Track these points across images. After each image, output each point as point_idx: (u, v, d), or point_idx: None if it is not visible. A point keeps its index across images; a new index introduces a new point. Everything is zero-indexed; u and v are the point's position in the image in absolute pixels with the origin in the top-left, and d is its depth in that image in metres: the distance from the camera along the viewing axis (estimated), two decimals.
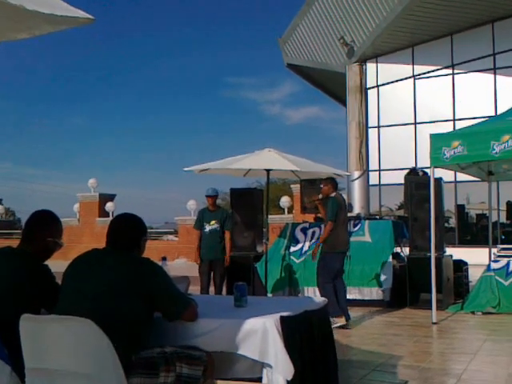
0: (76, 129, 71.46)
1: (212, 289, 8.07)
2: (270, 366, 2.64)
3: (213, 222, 7.98)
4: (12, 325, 2.51)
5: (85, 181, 21.75)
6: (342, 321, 6.57)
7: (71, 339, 2.45)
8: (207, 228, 8.00)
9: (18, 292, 2.73)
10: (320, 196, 7.12)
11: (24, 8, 1.75)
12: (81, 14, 2.07)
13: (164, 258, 3.37)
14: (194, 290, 6.45)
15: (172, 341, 2.74)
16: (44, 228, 2.96)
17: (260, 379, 2.71)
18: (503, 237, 14.92)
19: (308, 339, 2.93)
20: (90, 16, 2.10)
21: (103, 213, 20.45)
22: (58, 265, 2.79)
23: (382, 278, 8.34)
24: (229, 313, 2.96)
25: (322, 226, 8.33)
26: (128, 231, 2.85)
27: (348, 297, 8.27)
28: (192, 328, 2.76)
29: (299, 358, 2.74)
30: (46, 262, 2.95)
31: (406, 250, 8.99)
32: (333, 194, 6.86)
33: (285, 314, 2.79)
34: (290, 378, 2.60)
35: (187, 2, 69.48)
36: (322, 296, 6.60)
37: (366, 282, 8.36)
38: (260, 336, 2.64)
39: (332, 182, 7.06)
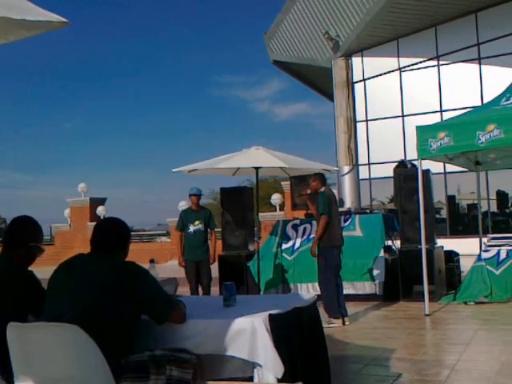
0: (64, 132, 71.11)
1: (200, 289, 7.99)
2: (260, 365, 2.63)
3: (197, 222, 7.85)
4: None
5: (75, 185, 21.71)
6: (339, 323, 6.56)
7: (59, 346, 2.44)
8: (191, 228, 7.84)
9: (3, 299, 2.72)
10: (309, 191, 7.11)
11: None
12: (54, 17, 2.05)
13: (152, 261, 3.34)
14: (184, 291, 6.43)
15: (161, 344, 2.73)
16: (25, 233, 2.95)
17: (251, 378, 2.70)
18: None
19: (298, 336, 2.92)
20: (64, 19, 2.07)
21: (94, 217, 20.38)
22: (49, 271, 2.78)
23: (375, 271, 8.35)
24: (217, 313, 2.95)
25: (314, 222, 8.33)
26: (112, 235, 2.84)
27: None
28: (181, 330, 2.75)
29: (289, 356, 2.73)
30: (39, 268, 2.95)
31: (398, 243, 9.01)
32: (322, 189, 6.85)
33: (273, 311, 2.78)
34: (280, 376, 2.59)
35: (172, 2, 69.25)
36: (322, 295, 6.60)
37: (358, 276, 8.36)
38: (249, 335, 2.63)
39: (320, 177, 7.04)
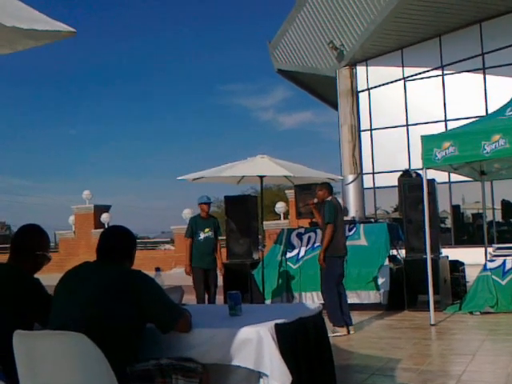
0: (68, 138, 71.35)
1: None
2: (267, 375, 2.62)
3: (207, 229, 7.89)
4: (5, 340, 2.49)
5: (79, 192, 21.77)
6: (343, 331, 6.54)
7: (65, 354, 2.44)
8: (202, 236, 7.88)
9: (9, 307, 2.72)
10: (315, 200, 7.10)
11: (2, 24, 1.73)
12: (62, 27, 2.06)
13: (158, 269, 3.36)
14: (190, 299, 6.42)
15: (167, 353, 2.73)
16: (32, 242, 2.96)
17: None
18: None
19: (304, 346, 2.91)
20: (71, 29, 2.08)
21: (99, 224, 20.41)
22: (53, 278, 2.79)
23: (380, 281, 8.33)
24: (223, 322, 2.93)
25: (318, 230, 8.31)
26: (118, 244, 2.84)
27: None
28: (186, 339, 2.74)
29: (295, 366, 2.72)
30: (44, 275, 2.95)
31: (403, 252, 8.99)
32: (328, 198, 6.85)
33: (279, 321, 2.77)
34: None
35: (177, 9, 69.59)
36: (326, 304, 6.58)
37: (363, 285, 8.34)
38: (255, 344, 2.62)
39: (327, 186, 7.04)
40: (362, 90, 20.62)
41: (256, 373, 2.67)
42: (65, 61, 71.74)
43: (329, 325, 6.01)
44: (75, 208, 21.79)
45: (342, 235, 6.88)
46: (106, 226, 19.51)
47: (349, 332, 6.59)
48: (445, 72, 19.36)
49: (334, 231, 6.61)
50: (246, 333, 2.66)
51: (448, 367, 5.12)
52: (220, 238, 8.24)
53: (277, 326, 2.70)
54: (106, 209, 21.54)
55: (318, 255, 6.80)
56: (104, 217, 20.57)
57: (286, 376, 2.59)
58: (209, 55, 70.91)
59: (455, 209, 19.59)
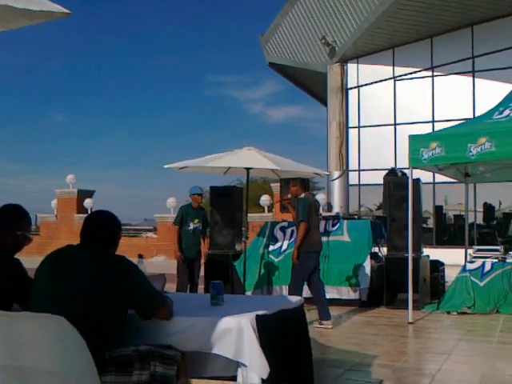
0: (55, 125, 70.60)
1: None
2: (245, 366, 2.63)
3: (196, 220, 7.99)
4: None
5: (63, 177, 21.55)
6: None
7: (44, 337, 2.42)
8: (191, 226, 7.95)
9: None
10: (289, 196, 7.10)
11: None
12: (57, 8, 2.04)
13: (140, 256, 3.35)
14: (171, 288, 6.42)
15: (147, 339, 2.73)
16: (13, 222, 2.91)
17: (235, 378, 2.71)
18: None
19: (284, 338, 2.93)
20: (66, 10, 2.06)
21: (82, 209, 20.25)
22: (34, 260, 2.76)
23: (360, 277, 8.38)
24: (204, 311, 2.94)
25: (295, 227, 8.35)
26: (103, 228, 2.83)
27: (326, 296, 8.32)
28: (167, 326, 2.74)
29: (274, 357, 2.74)
30: (24, 258, 2.92)
31: (384, 250, 9.06)
32: (302, 195, 6.80)
33: (261, 312, 2.79)
34: (265, 377, 2.60)
35: (169, 1, 69.03)
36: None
37: (343, 281, 8.40)
38: (235, 335, 2.63)
39: (301, 182, 6.94)
40: (352, 88, 20.68)
41: (235, 363, 2.69)
42: (57, 53, 70.93)
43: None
44: (58, 192, 21.56)
45: (316, 231, 6.83)
46: (89, 212, 19.39)
47: (327, 319, 6.67)
48: (435, 73, 19.48)
49: (307, 229, 6.59)
50: (227, 322, 2.67)
51: (423, 365, 5.18)
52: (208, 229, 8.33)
53: (258, 317, 2.72)
54: (90, 194, 21.34)
55: (292, 253, 6.79)
56: (87, 202, 20.40)
57: (265, 367, 2.61)
58: (200, 47, 70.47)
59: (438, 209, 19.78)
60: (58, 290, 2.61)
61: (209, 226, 8.27)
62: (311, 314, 6.57)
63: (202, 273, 8.43)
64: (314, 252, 6.69)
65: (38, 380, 2.46)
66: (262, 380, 2.60)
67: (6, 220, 2.93)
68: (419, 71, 19.67)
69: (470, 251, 8.79)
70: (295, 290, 6.52)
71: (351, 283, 8.38)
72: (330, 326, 6.63)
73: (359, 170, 20.35)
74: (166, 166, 8.40)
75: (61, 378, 2.40)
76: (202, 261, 8.35)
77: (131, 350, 2.61)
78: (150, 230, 25.43)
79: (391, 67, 19.95)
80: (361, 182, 20.27)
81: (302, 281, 6.69)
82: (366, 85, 20.46)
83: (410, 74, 19.80)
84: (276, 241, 9.30)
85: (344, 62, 20.47)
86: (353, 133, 20.63)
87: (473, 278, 7.94)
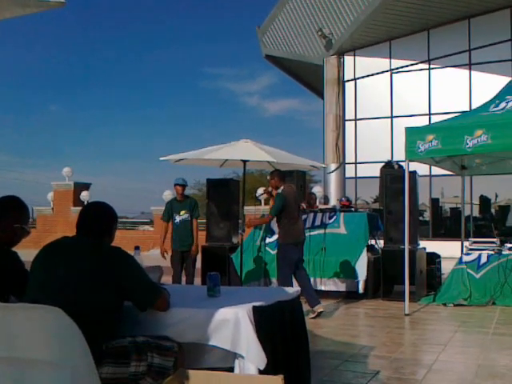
0: (52, 117, 70.38)
1: (184, 279, 8.03)
2: (243, 357, 2.63)
3: (182, 212, 7.92)
4: None
5: (60, 169, 21.48)
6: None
7: (40, 328, 2.42)
8: (177, 219, 7.92)
9: None
10: (269, 189, 7.14)
11: None
12: None
13: (137, 248, 3.33)
14: (167, 280, 6.42)
15: (144, 331, 2.73)
16: (10, 214, 2.88)
17: (232, 369, 2.71)
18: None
19: (280, 329, 2.93)
20: (61, 0, 2.05)
21: (78, 202, 20.19)
22: (30, 253, 2.75)
23: (357, 269, 8.40)
24: (201, 302, 2.94)
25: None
26: (99, 219, 2.82)
27: (323, 288, 8.37)
28: (164, 318, 2.74)
29: (272, 348, 2.74)
30: (20, 251, 2.90)
31: (381, 243, 9.08)
32: (281, 187, 6.83)
33: (257, 304, 2.78)
34: (262, 368, 2.60)
35: None
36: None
37: (340, 273, 8.43)
38: (232, 326, 2.63)
39: (278, 174, 6.98)
40: (349, 80, 20.65)
41: (232, 354, 2.69)
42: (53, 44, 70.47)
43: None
44: (54, 184, 21.48)
45: (296, 224, 6.81)
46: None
47: (313, 306, 6.71)
48: (431, 66, 19.46)
49: (270, 220, 7.00)
50: (224, 314, 2.67)
51: (420, 356, 5.21)
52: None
53: (255, 308, 2.72)
54: (86, 187, 21.29)
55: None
56: (84, 195, 20.36)
57: (262, 358, 2.61)
58: (197, 39, 70.24)
59: (434, 202, 19.81)
60: (54, 280, 2.60)
61: (197, 215, 8.09)
62: (306, 306, 6.58)
63: (198, 265, 8.43)
64: (292, 244, 6.68)
65: (35, 371, 2.46)
66: (260, 371, 2.60)
67: (4, 212, 2.90)
68: (416, 64, 19.65)
69: (466, 243, 8.82)
70: (285, 282, 6.55)
71: (348, 275, 8.40)
72: (322, 309, 6.65)
73: (356, 163, 20.34)
74: (161, 159, 8.38)
75: (58, 368, 2.40)
76: (199, 255, 8.31)
77: (128, 342, 2.60)
78: (146, 223, 25.42)
79: (388, 60, 19.92)
80: (357, 175, 20.27)
81: (289, 272, 6.68)
82: (363, 77, 20.43)
83: (407, 66, 19.78)
84: (273, 233, 9.29)
85: (341, 54, 20.43)
86: (349, 125, 20.61)
87: (469, 270, 7.97)
